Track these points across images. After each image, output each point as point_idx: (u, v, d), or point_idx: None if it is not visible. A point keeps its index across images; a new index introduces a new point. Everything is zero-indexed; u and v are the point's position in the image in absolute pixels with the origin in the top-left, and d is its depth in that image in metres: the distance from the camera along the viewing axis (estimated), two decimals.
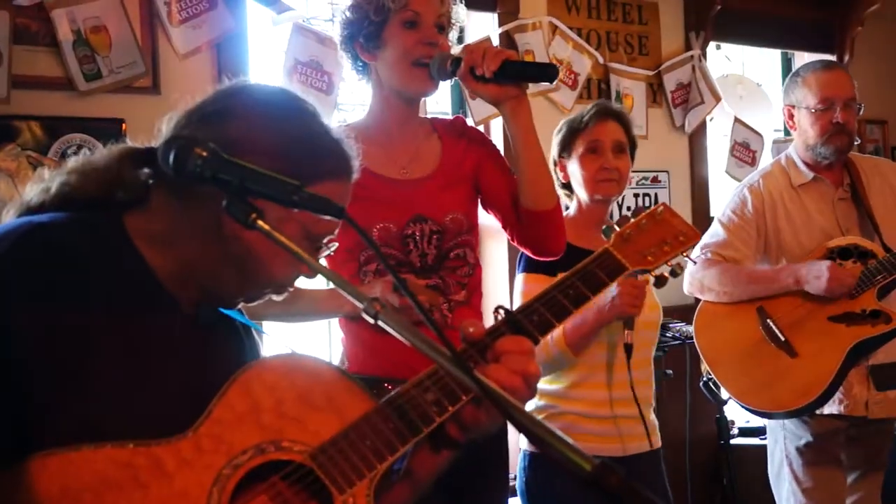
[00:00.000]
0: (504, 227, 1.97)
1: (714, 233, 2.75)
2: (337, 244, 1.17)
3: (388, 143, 1.89)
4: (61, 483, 0.92)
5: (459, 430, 1.12)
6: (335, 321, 1.97)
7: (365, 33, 1.83)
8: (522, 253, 2.25)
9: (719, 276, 2.65)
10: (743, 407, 2.66)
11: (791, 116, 2.72)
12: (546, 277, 2.23)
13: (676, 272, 1.36)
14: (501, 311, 1.19)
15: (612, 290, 2.11)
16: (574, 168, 2.33)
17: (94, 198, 1.10)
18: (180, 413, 1.03)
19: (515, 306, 2.25)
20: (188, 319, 1.12)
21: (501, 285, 3.49)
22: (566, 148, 2.35)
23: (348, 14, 1.85)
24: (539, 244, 1.95)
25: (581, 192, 2.33)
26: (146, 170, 1.12)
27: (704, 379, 2.67)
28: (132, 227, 1.10)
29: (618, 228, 1.33)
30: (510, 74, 1.77)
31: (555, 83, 3.59)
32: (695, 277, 2.71)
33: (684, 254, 1.33)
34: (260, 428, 1.02)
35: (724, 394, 2.66)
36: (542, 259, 2.00)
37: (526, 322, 1.19)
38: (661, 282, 1.40)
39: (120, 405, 1.00)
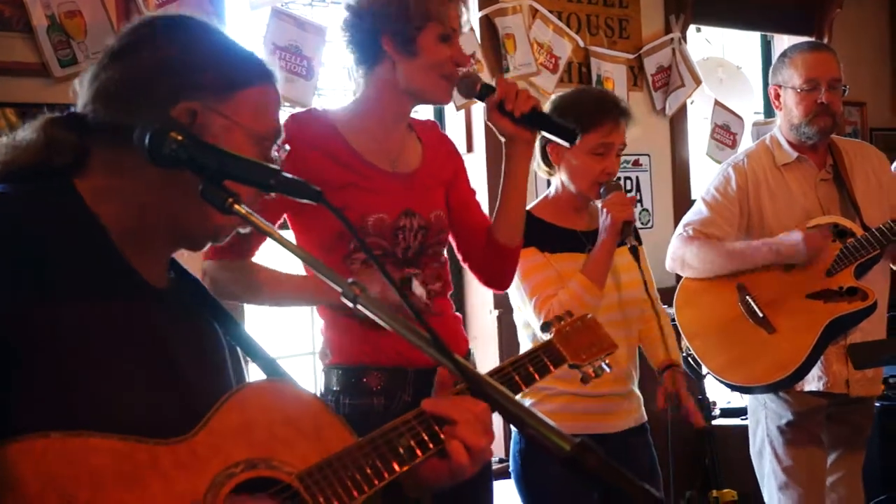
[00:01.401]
0: (458, 249, 2.03)
1: (697, 210, 2.78)
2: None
3: (381, 136, 1.90)
4: (61, 466, 0.92)
5: (426, 477, 1.17)
6: (315, 310, 1.97)
7: (399, 32, 1.81)
8: None
9: (700, 252, 2.68)
10: (721, 381, 2.70)
11: (777, 96, 2.74)
12: (536, 250, 2.27)
13: (598, 372, 1.56)
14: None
15: (603, 214, 2.23)
16: (573, 161, 2.30)
17: (34, 167, 1.09)
18: (157, 396, 1.04)
19: (514, 288, 2.29)
20: (150, 292, 1.12)
21: None
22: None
23: (380, 4, 1.82)
24: (496, 276, 2.03)
25: (570, 184, 2.33)
26: (74, 133, 1.11)
27: (684, 354, 2.70)
28: (83, 189, 1.10)
29: (556, 325, 1.54)
30: (534, 122, 1.87)
31: (537, 70, 3.59)
32: (676, 254, 2.74)
33: (604, 359, 1.56)
34: (252, 444, 1.05)
35: (704, 369, 2.70)
36: (490, 287, 2.09)
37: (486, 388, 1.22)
38: (586, 378, 1.56)
39: (91, 389, 1.00)
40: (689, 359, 2.70)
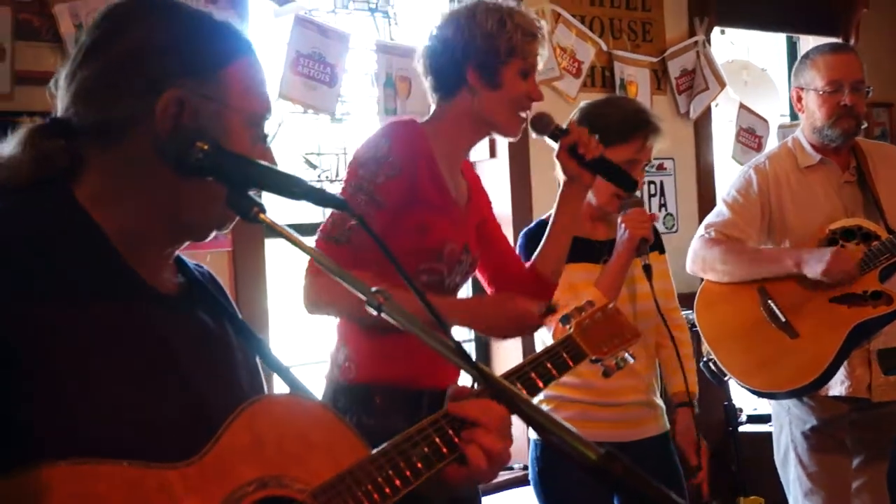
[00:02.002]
0: (489, 280, 2.07)
1: (719, 212, 2.76)
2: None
3: (453, 165, 1.96)
4: (71, 494, 0.90)
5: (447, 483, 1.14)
6: (335, 325, 1.94)
7: (485, 64, 1.86)
8: (521, 244, 2.29)
9: (723, 256, 2.65)
10: (743, 386, 2.69)
11: (799, 99, 2.71)
12: None
13: (620, 365, 1.51)
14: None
15: (621, 229, 2.23)
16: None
17: (28, 179, 1.05)
18: (165, 403, 1.02)
19: None
20: (156, 297, 1.08)
21: None
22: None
23: (470, 35, 1.86)
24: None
25: (591, 195, 2.30)
26: (62, 140, 1.07)
27: (705, 359, 2.69)
28: (81, 196, 1.05)
29: (576, 317, 1.49)
30: (599, 166, 1.97)
31: (560, 75, 3.59)
32: (698, 255, 2.72)
33: (627, 350, 1.51)
34: (263, 462, 1.02)
35: (726, 374, 2.67)
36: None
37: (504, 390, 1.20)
38: (609, 372, 1.51)
39: (95, 397, 0.97)
40: (711, 363, 2.68)
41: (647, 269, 2.19)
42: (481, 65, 1.86)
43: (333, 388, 1.88)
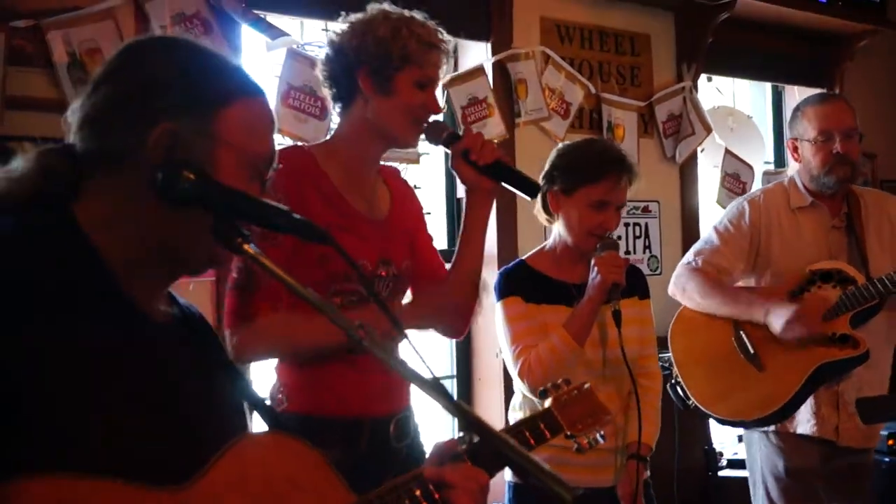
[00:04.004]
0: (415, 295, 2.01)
1: (708, 239, 2.80)
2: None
3: (357, 178, 1.91)
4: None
5: None
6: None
7: (376, 69, 1.82)
8: (495, 285, 2.28)
9: (702, 289, 2.71)
10: (706, 413, 2.71)
11: (795, 149, 2.77)
12: (520, 300, 2.25)
13: (592, 444, 1.55)
14: (466, 441, 1.26)
15: (593, 270, 2.19)
16: (571, 212, 2.27)
17: (30, 197, 1.08)
18: (157, 431, 1.02)
19: (500, 334, 2.28)
20: (151, 327, 1.10)
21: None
22: (568, 189, 2.27)
23: (362, 40, 1.82)
24: (449, 326, 2.00)
25: (567, 235, 2.31)
26: (67, 162, 1.10)
27: (672, 382, 2.71)
28: (81, 217, 1.08)
29: (553, 393, 1.54)
30: (496, 173, 1.90)
31: (548, 115, 3.63)
32: (679, 281, 2.77)
33: (600, 430, 1.56)
34: (251, 499, 1.02)
35: (689, 398, 2.70)
36: (445, 336, 2.06)
37: (486, 454, 1.22)
38: (581, 449, 1.55)
39: (87, 422, 0.97)
40: (678, 387, 2.70)
41: (617, 316, 2.16)
42: (373, 70, 1.81)
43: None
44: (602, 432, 1.55)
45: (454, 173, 1.94)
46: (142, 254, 1.09)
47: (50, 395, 0.96)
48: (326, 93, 1.92)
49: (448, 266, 2.00)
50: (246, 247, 1.05)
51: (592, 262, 2.21)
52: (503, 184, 1.93)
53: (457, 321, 1.99)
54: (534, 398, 2.20)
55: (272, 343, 1.78)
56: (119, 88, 1.09)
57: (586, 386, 1.57)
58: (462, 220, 1.97)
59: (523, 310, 2.26)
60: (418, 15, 1.88)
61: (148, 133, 1.06)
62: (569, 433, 1.50)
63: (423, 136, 1.91)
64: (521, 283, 2.28)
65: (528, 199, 1.97)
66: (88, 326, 1.01)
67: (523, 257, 2.39)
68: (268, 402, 1.81)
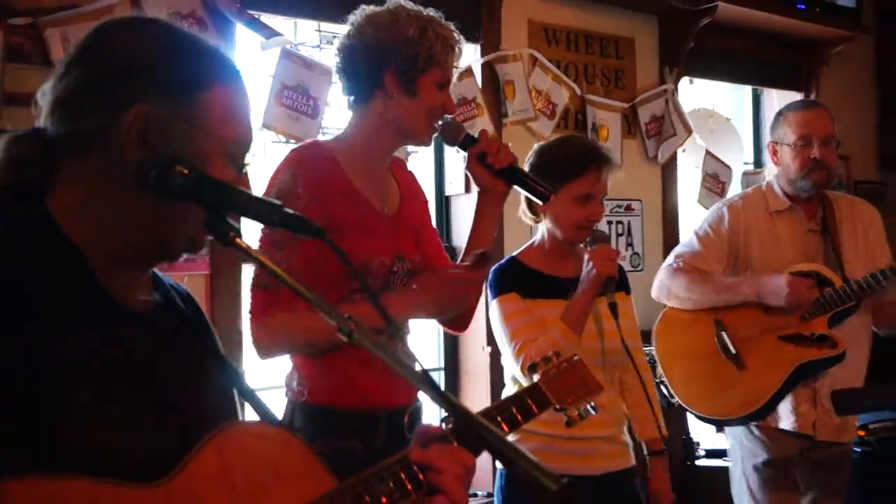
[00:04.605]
0: None
1: (689, 243, 2.82)
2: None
3: (372, 173, 1.88)
4: None
5: None
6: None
7: (405, 70, 1.80)
8: (490, 283, 2.27)
9: (686, 284, 2.71)
10: (689, 411, 2.73)
11: (774, 152, 2.78)
12: (518, 296, 2.24)
13: (582, 415, 1.51)
14: (451, 420, 1.24)
15: (587, 264, 2.18)
16: (557, 209, 2.26)
17: (4, 188, 1.03)
18: (144, 426, 1.00)
19: (496, 332, 2.27)
20: (129, 317, 1.06)
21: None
22: (552, 184, 2.28)
23: (391, 38, 1.79)
24: (455, 319, 1.99)
25: (556, 230, 2.30)
26: (39, 148, 1.05)
27: (657, 380, 2.72)
28: (55, 207, 1.03)
29: (543, 367, 1.50)
30: (511, 177, 1.91)
31: (535, 116, 3.62)
32: (663, 283, 2.77)
33: (590, 402, 1.52)
34: (230, 490, 0.99)
35: (674, 396, 2.71)
36: (448, 329, 2.05)
37: (468, 435, 1.19)
38: (571, 421, 1.51)
39: (70, 420, 0.94)
40: (662, 386, 2.71)
41: (613, 308, 2.16)
42: (400, 70, 1.79)
43: (291, 407, 1.84)
44: (593, 404, 1.51)
45: (468, 174, 1.93)
46: (118, 241, 1.04)
47: (30, 395, 0.92)
48: (338, 83, 1.88)
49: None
50: (238, 241, 1.04)
51: (586, 256, 2.21)
52: (516, 187, 1.94)
53: (464, 315, 1.99)
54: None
55: (287, 339, 1.77)
56: (92, 69, 1.03)
57: (576, 358, 1.53)
58: (474, 222, 1.96)
59: (521, 305, 2.25)
60: (434, 13, 1.86)
61: (121, 115, 1.00)
62: (558, 406, 1.46)
63: (437, 136, 1.90)
64: (515, 279, 2.28)
65: (539, 202, 1.99)
66: (67, 323, 0.98)
67: (514, 254, 2.38)
68: (287, 392, 1.82)
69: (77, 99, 1.03)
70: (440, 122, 1.88)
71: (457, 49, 1.86)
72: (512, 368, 2.27)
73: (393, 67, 1.80)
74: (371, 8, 1.86)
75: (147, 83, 1.02)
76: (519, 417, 1.38)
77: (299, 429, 1.78)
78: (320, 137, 3.08)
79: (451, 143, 1.93)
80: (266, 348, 1.77)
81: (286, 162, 1.81)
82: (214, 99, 1.05)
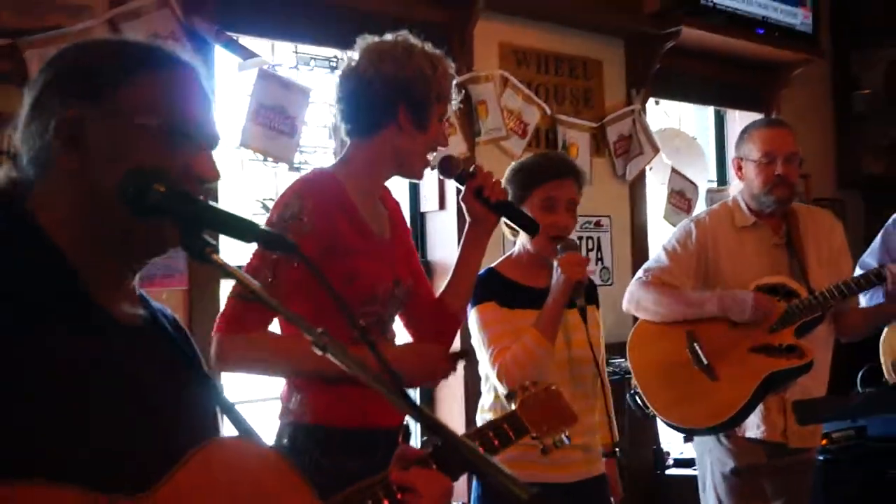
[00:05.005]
0: (404, 314, 1.99)
1: (658, 258, 2.83)
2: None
3: (371, 200, 1.89)
4: None
5: None
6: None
7: (418, 105, 1.81)
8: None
9: (655, 297, 2.72)
10: (663, 420, 2.73)
11: (739, 168, 2.80)
12: (496, 304, 2.25)
13: (557, 444, 1.53)
14: (431, 444, 1.25)
15: (557, 272, 2.21)
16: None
17: None
18: (127, 438, 0.98)
19: (475, 340, 2.28)
20: (115, 329, 1.05)
21: None
22: (520, 197, 2.30)
23: (409, 74, 1.80)
24: (437, 340, 2.00)
25: (527, 243, 2.33)
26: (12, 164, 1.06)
27: (632, 391, 2.73)
28: (38, 209, 1.03)
29: (521, 395, 1.51)
30: (503, 209, 1.99)
31: (506, 135, 3.64)
32: (633, 296, 2.78)
33: (565, 432, 1.53)
34: None
35: (648, 407, 2.72)
36: None
37: (450, 458, 1.21)
38: (546, 450, 1.54)
39: (50, 430, 0.93)
40: (637, 397, 2.71)
41: (583, 312, 2.19)
42: (415, 105, 1.81)
43: (291, 427, 1.79)
44: (567, 433, 1.53)
45: (463, 206, 1.96)
46: (90, 251, 1.04)
47: (10, 399, 0.91)
48: (337, 112, 1.87)
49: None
50: (215, 256, 1.03)
51: (555, 262, 2.23)
52: (506, 220, 2.01)
53: (448, 340, 2.02)
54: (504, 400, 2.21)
55: (263, 358, 1.73)
56: (39, 88, 1.05)
57: (553, 387, 1.55)
58: (462, 250, 1.99)
59: (499, 314, 2.26)
60: (433, 48, 1.88)
61: (48, 126, 1.02)
62: (534, 435, 1.47)
63: (434, 169, 1.94)
64: (493, 288, 2.30)
65: (528, 235, 2.06)
66: (50, 328, 0.97)
67: (492, 265, 2.39)
68: (285, 411, 1.77)
69: (27, 119, 1.05)
70: (436, 156, 1.92)
71: (453, 84, 1.90)
72: (487, 370, 2.27)
73: (408, 102, 1.81)
74: (381, 40, 1.86)
75: (73, 92, 1.03)
76: (496, 443, 1.39)
77: (300, 447, 1.75)
78: (297, 156, 3.08)
79: (448, 177, 1.97)
80: (233, 362, 1.72)
81: (296, 189, 1.80)
82: (137, 89, 1.04)
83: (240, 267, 1.66)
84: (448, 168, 1.94)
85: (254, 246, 1.05)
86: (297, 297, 1.70)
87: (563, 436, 1.52)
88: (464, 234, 2.00)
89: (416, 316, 1.99)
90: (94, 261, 1.04)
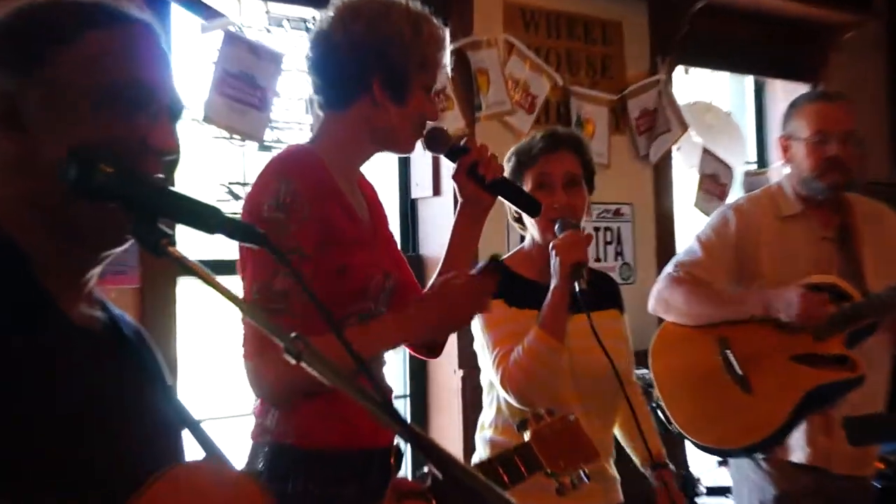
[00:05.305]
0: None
1: (690, 250, 2.81)
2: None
3: (350, 182, 1.89)
4: None
5: None
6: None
7: (396, 76, 1.80)
8: None
9: (685, 296, 2.71)
10: (687, 439, 2.71)
11: (786, 148, 2.78)
12: (503, 303, 2.25)
13: (575, 483, 1.53)
14: (429, 476, 1.26)
15: (553, 257, 2.21)
16: None
17: None
18: (86, 450, 0.99)
19: (477, 342, 2.28)
20: (76, 333, 1.06)
21: None
22: (514, 181, 2.31)
23: (384, 41, 1.78)
24: (428, 343, 2.00)
25: (533, 231, 2.34)
26: None
27: (653, 404, 2.71)
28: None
29: (534, 425, 1.51)
30: (500, 188, 1.97)
31: (511, 109, 3.64)
32: (661, 295, 2.76)
33: (583, 469, 1.53)
34: None
35: (672, 423, 2.71)
36: (418, 355, 2.07)
37: (452, 493, 1.21)
38: (563, 490, 1.53)
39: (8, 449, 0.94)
40: (659, 411, 2.71)
41: (582, 294, 2.13)
42: (391, 76, 1.80)
43: (269, 449, 1.77)
44: (587, 471, 1.52)
45: (454, 184, 1.96)
46: (48, 236, 1.05)
47: None
48: (309, 82, 1.87)
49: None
50: (171, 249, 1.02)
51: (551, 246, 2.22)
52: (504, 200, 2.01)
53: (439, 346, 2.01)
54: (512, 415, 2.21)
55: (293, 379, 1.64)
56: None
57: (571, 417, 1.54)
58: (452, 234, 1.99)
59: (506, 313, 2.26)
60: (422, 7, 1.86)
61: None
62: (549, 471, 1.46)
63: (426, 147, 1.93)
64: (503, 285, 2.28)
65: (530, 217, 2.06)
66: (10, 329, 0.98)
67: (501, 258, 2.40)
68: (262, 433, 1.75)
69: None
70: (425, 130, 1.91)
71: (445, 50, 1.89)
72: (491, 377, 2.27)
73: (384, 73, 1.80)
74: None
75: (6, 64, 1.05)
76: (506, 479, 1.39)
77: (283, 474, 1.73)
78: (268, 133, 3.07)
79: (438, 152, 1.97)
80: (281, 386, 1.67)
81: (275, 170, 1.77)
82: (78, 52, 1.05)
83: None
84: (437, 142, 1.93)
85: (220, 238, 1.04)
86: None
87: (581, 473, 1.51)
88: (455, 218, 1.99)
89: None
90: (46, 252, 1.05)
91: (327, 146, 1.85)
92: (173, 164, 1.11)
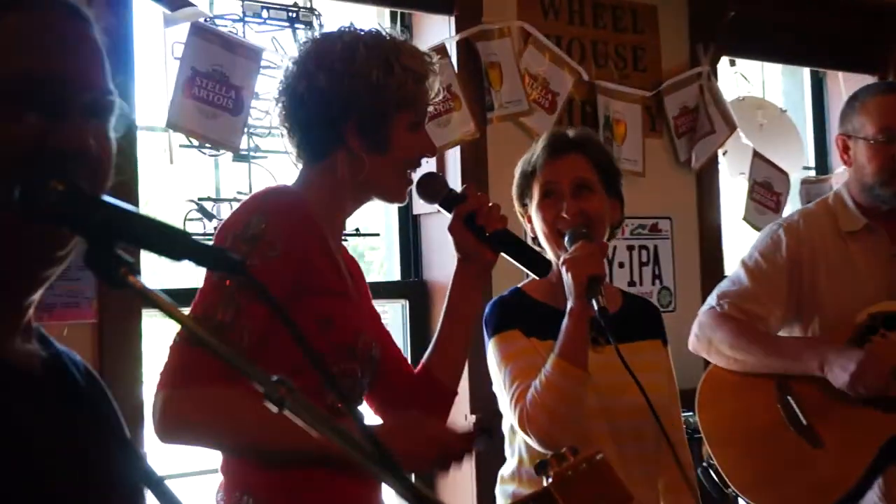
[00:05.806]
0: (374, 395, 2.03)
1: (736, 278, 2.82)
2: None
3: (335, 238, 1.95)
4: None
5: None
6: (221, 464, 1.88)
7: (369, 124, 1.85)
8: (486, 317, 2.32)
9: (732, 339, 2.71)
10: (747, 503, 2.71)
11: (846, 149, 2.80)
12: (520, 333, 2.27)
13: None
14: None
15: (566, 275, 2.21)
16: (535, 218, 2.35)
17: None
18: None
19: (494, 381, 2.29)
20: (9, 375, 1.06)
21: None
22: (524, 194, 2.37)
23: (350, 88, 1.84)
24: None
25: (546, 248, 2.35)
26: None
27: (704, 464, 2.70)
28: None
29: (556, 467, 1.49)
30: (502, 242, 2.00)
31: (528, 109, 3.65)
32: (704, 333, 2.76)
33: None
34: None
35: (728, 486, 2.70)
36: None
37: None
38: None
39: None
40: (711, 470, 2.69)
41: (603, 315, 2.12)
42: (365, 125, 1.86)
43: None
44: None
45: (451, 237, 2.00)
46: None
47: None
48: (285, 135, 1.94)
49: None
50: (131, 279, 1.02)
51: (560, 262, 2.23)
52: (507, 257, 2.02)
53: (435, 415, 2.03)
54: (531, 459, 2.22)
55: (207, 422, 1.72)
56: None
57: (598, 457, 1.52)
58: (449, 297, 2.03)
59: (524, 344, 2.28)
60: (399, 35, 1.92)
61: None
62: None
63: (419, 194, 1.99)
64: (519, 313, 2.31)
65: (537, 277, 2.07)
66: None
67: (519, 285, 2.42)
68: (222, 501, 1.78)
69: None
70: (417, 174, 1.97)
71: (431, 78, 1.92)
72: (512, 421, 2.28)
73: (356, 123, 1.86)
74: (323, 36, 1.92)
75: None
76: None
77: None
78: (244, 140, 3.08)
79: (431, 202, 2.01)
80: (186, 429, 1.71)
81: (255, 206, 1.84)
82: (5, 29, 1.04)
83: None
84: (429, 190, 1.99)
85: (189, 266, 1.04)
86: (274, 340, 1.70)
87: None
88: (452, 277, 2.03)
89: (391, 394, 2.02)
90: None
91: (311, 193, 1.92)
92: (96, 169, 1.09)
